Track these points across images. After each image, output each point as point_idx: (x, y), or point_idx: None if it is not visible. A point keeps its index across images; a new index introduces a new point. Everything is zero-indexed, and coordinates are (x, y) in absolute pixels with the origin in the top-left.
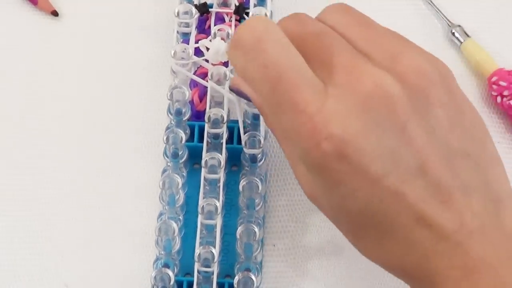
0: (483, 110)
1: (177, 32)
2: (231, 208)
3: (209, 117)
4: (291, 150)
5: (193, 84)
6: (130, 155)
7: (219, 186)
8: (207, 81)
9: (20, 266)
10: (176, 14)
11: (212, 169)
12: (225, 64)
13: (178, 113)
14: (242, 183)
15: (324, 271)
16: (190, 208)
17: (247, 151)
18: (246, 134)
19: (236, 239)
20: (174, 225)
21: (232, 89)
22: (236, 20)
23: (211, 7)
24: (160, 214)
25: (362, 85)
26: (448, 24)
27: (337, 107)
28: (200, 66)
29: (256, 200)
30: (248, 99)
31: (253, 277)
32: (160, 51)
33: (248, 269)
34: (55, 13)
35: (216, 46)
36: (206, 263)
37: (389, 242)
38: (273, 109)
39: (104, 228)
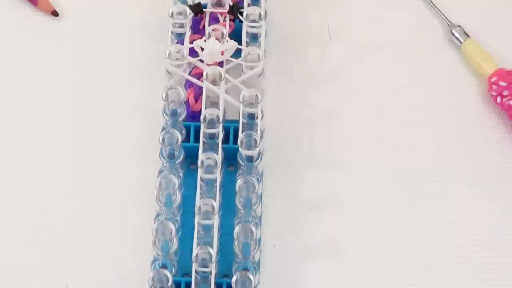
0: (483, 110)
1: (172, 32)
2: (228, 208)
3: (204, 117)
4: None
5: (188, 85)
6: (127, 156)
7: (216, 186)
8: (202, 81)
9: (20, 266)
10: (170, 15)
11: (209, 169)
12: (220, 64)
13: (174, 113)
14: (239, 182)
15: (323, 271)
16: (187, 209)
17: (243, 151)
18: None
19: (234, 239)
20: (171, 225)
21: None
22: (230, 20)
23: (205, 7)
24: (157, 215)
25: None
26: (448, 24)
27: None
28: (195, 66)
29: (253, 200)
30: None
31: (251, 276)
32: (154, 52)
33: (246, 269)
34: (55, 13)
35: (210, 46)
36: (204, 263)
37: None
38: None
39: (102, 229)
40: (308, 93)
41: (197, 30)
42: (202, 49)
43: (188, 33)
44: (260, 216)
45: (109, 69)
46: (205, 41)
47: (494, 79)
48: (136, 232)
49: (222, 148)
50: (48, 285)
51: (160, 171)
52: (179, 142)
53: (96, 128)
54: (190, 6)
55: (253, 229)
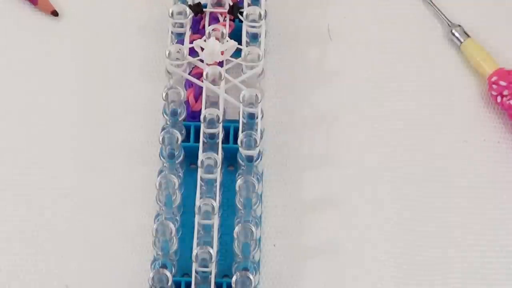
0: (483, 110)
1: (172, 32)
2: (228, 208)
3: (204, 117)
4: None
5: (188, 85)
6: (127, 156)
7: (216, 186)
8: (202, 81)
9: (20, 266)
10: (170, 15)
11: (209, 169)
12: (220, 64)
13: (174, 113)
14: (239, 182)
15: (323, 271)
16: (187, 209)
17: (243, 151)
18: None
19: (234, 238)
20: (171, 225)
21: None
22: (230, 20)
23: (205, 7)
24: (157, 215)
25: None
26: (448, 24)
27: None
28: (195, 66)
29: (253, 200)
30: None
31: (251, 276)
32: (155, 52)
33: (246, 269)
34: (55, 13)
35: (210, 46)
36: (204, 263)
37: None
38: None
39: (102, 229)
40: (308, 93)
41: (197, 30)
42: (202, 49)
43: (188, 33)
44: (260, 216)
45: (109, 69)
46: (205, 41)
47: (494, 79)
48: (136, 232)
49: (222, 148)
50: (48, 285)
51: (160, 171)
52: (179, 142)
53: (96, 128)
54: (190, 6)
55: (253, 229)
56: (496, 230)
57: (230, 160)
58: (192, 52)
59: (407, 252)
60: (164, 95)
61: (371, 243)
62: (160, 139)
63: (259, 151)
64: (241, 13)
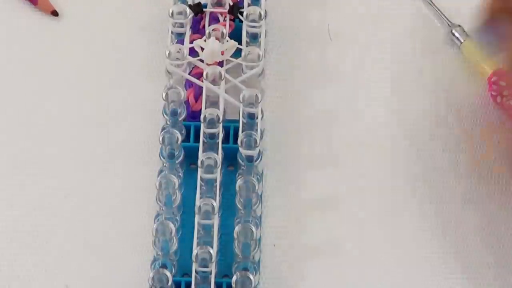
0: (483, 110)
1: (172, 32)
2: (228, 208)
3: (204, 117)
4: None
5: (188, 84)
6: (127, 156)
7: (216, 186)
8: (202, 81)
9: (20, 266)
10: (170, 15)
11: (209, 169)
12: (220, 64)
13: (174, 113)
14: (239, 182)
15: (323, 271)
16: (187, 209)
17: (243, 151)
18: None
19: (234, 238)
20: (171, 225)
21: None
22: (230, 20)
23: (205, 7)
24: (157, 215)
25: None
26: (448, 24)
27: None
28: (195, 66)
29: (253, 200)
30: None
31: (251, 276)
32: (155, 52)
33: (246, 269)
34: (55, 13)
35: (210, 46)
36: (204, 263)
37: None
38: None
39: (102, 229)
40: (308, 93)
41: (197, 30)
42: (202, 49)
43: (188, 33)
44: (260, 216)
45: (109, 69)
46: (205, 41)
47: (494, 79)
48: (136, 232)
49: (222, 148)
50: (48, 285)
51: (160, 171)
52: (179, 142)
53: (96, 128)
54: (190, 6)
55: (253, 229)
56: (496, 230)
57: (230, 160)
58: (192, 52)
59: (407, 252)
60: (164, 95)
61: (371, 243)
62: (160, 139)
63: (259, 151)
64: (241, 13)
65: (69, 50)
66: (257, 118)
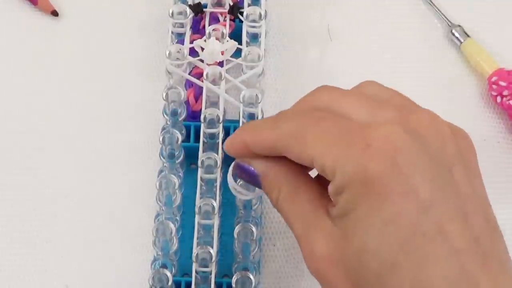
0: (483, 110)
1: (172, 32)
2: (228, 208)
3: (204, 117)
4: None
5: (189, 84)
6: (127, 156)
7: (216, 186)
8: (202, 81)
9: (20, 266)
10: (170, 15)
11: (209, 169)
12: (220, 64)
13: (174, 113)
14: (239, 182)
15: None
16: (187, 209)
17: None
18: None
19: (234, 238)
20: (172, 225)
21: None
22: (230, 20)
23: (205, 7)
24: (157, 215)
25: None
26: (448, 24)
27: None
28: (195, 66)
29: (253, 200)
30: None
31: (251, 276)
32: (155, 52)
33: (246, 269)
34: (55, 13)
35: (211, 46)
36: (204, 263)
37: None
38: None
39: (102, 229)
40: None
41: (197, 30)
42: (202, 49)
43: (188, 33)
44: (260, 216)
45: (109, 69)
46: (205, 41)
47: (494, 79)
48: (136, 232)
49: (222, 148)
50: (48, 285)
51: (160, 171)
52: (179, 142)
53: (96, 128)
54: (190, 6)
55: (253, 229)
56: None
57: (230, 160)
58: (192, 52)
59: None
60: (164, 95)
61: None
62: (160, 139)
63: None
64: (241, 13)
65: (69, 50)
66: (257, 118)
